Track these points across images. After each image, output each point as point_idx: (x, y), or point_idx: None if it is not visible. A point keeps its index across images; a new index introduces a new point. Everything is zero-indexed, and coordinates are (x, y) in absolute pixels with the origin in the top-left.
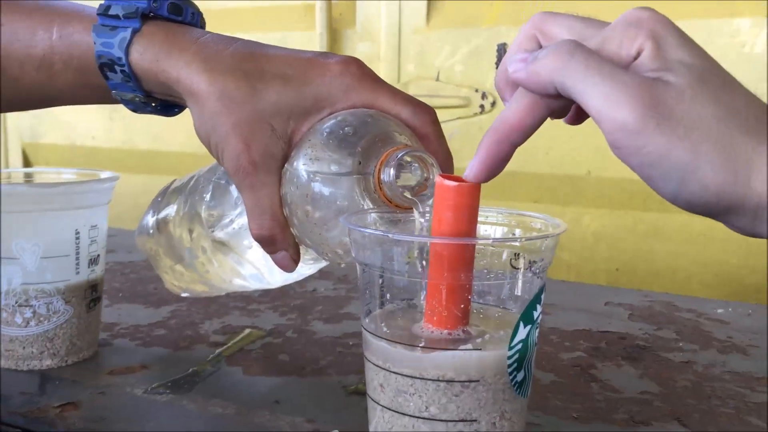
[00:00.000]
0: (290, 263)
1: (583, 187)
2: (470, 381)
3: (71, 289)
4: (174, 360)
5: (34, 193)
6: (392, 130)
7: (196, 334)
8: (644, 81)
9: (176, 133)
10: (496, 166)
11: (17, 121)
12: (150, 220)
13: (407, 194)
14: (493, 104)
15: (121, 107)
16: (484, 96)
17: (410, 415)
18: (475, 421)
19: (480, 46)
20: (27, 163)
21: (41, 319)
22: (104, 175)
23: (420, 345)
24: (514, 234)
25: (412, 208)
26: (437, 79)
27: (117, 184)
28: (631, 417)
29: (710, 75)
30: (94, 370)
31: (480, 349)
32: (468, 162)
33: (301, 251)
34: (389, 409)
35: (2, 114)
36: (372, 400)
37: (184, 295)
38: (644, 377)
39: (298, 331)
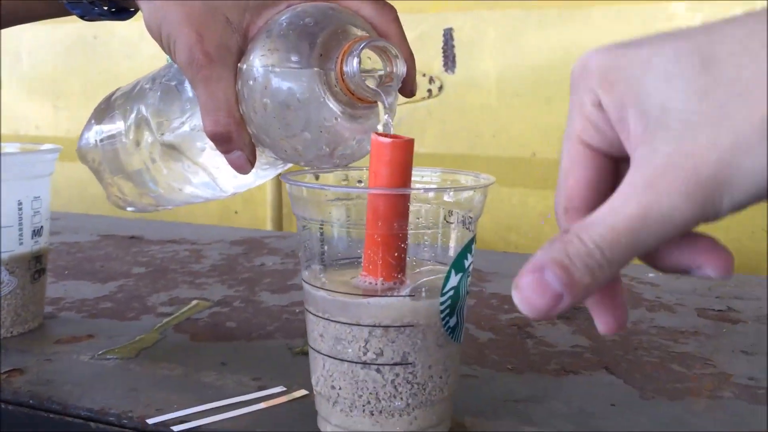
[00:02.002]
0: (246, 164)
1: (528, 168)
2: (405, 326)
3: (15, 259)
4: (120, 329)
5: None
6: (354, 23)
7: (143, 306)
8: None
9: None
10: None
11: None
12: (93, 130)
13: (371, 86)
14: (440, 88)
15: (65, 94)
16: (431, 80)
17: (349, 361)
18: (410, 364)
19: (426, 32)
20: None
21: None
22: (45, 147)
23: (357, 294)
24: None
25: (374, 103)
26: None
27: (64, 173)
28: (562, 367)
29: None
30: (39, 339)
31: (413, 296)
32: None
33: (257, 155)
34: (329, 356)
35: None
36: (313, 349)
37: (129, 209)
38: (576, 333)
39: (246, 301)
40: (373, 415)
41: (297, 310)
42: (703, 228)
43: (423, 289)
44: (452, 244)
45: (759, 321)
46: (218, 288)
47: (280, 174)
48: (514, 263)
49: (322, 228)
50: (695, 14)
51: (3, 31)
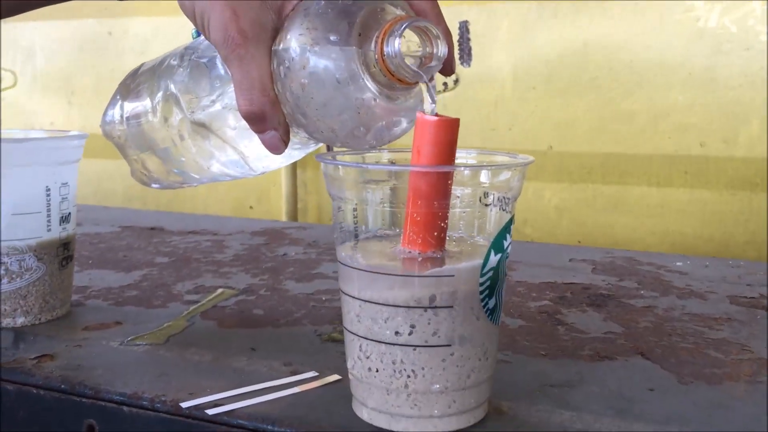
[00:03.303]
0: (279, 144)
1: (544, 162)
2: (444, 307)
3: (43, 246)
4: (148, 317)
5: (3, 149)
6: (392, 1)
7: (168, 294)
8: None
9: None
10: None
11: None
12: (118, 106)
13: (412, 66)
14: (456, 81)
15: (79, 90)
16: None
17: (386, 343)
18: (449, 345)
19: None
20: None
21: (13, 276)
22: (73, 133)
23: (395, 273)
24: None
25: (412, 84)
26: None
27: (80, 167)
28: (596, 353)
29: None
30: (68, 326)
31: (453, 276)
32: None
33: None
34: (366, 338)
35: None
36: (349, 332)
37: (153, 186)
38: (608, 320)
39: (271, 289)
40: (410, 397)
41: (323, 298)
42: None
43: (462, 269)
44: (490, 224)
45: None
46: (242, 277)
47: (313, 153)
48: (541, 252)
49: (356, 209)
50: (713, 7)
51: (18, 27)
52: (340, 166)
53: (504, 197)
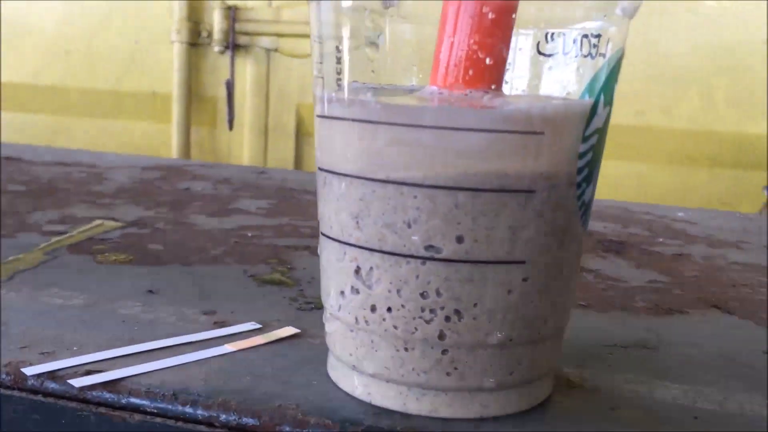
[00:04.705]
0: None
1: None
2: (519, 190)
3: None
4: None
5: None
6: None
7: (20, 223)
8: None
9: None
10: None
11: None
12: None
13: None
14: None
15: None
16: None
17: (413, 256)
18: (522, 262)
19: None
20: None
21: None
22: None
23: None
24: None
25: None
26: None
27: None
28: (656, 305)
29: None
30: None
31: (543, 132)
32: None
33: None
34: (372, 250)
35: None
36: (334, 241)
37: None
38: (642, 268)
39: (173, 223)
40: (446, 355)
41: (249, 234)
42: None
43: (558, 115)
44: (586, 74)
45: None
46: (130, 209)
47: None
48: None
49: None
50: None
51: None
52: None
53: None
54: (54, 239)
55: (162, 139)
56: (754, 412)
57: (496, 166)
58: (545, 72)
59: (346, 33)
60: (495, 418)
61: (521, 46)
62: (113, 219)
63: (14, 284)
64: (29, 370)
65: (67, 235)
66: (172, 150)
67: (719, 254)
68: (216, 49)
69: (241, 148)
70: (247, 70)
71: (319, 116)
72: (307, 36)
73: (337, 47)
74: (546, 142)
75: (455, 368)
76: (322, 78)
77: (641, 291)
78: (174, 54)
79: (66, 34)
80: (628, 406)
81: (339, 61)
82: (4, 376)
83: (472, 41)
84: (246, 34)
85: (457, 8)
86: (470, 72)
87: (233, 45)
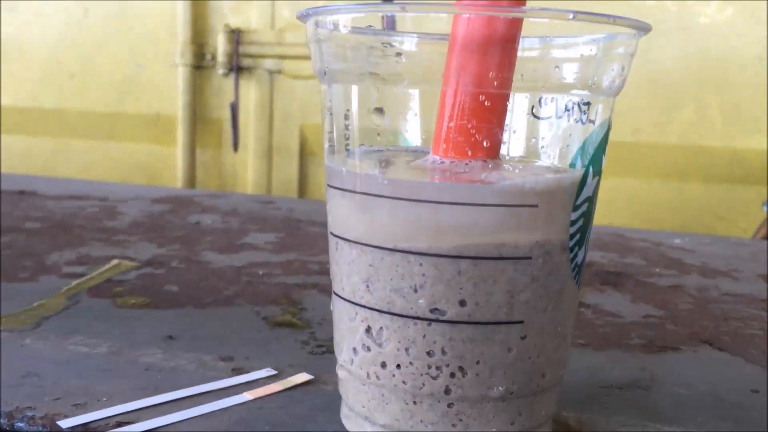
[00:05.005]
0: None
1: None
2: (516, 257)
3: None
4: (9, 293)
5: None
6: None
7: (39, 265)
8: None
9: None
10: None
11: None
12: None
13: None
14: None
15: None
16: None
17: (419, 318)
18: (520, 322)
19: None
20: None
21: None
22: None
23: (425, 179)
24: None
25: None
26: None
27: None
28: (649, 341)
29: None
30: None
31: (536, 206)
32: None
33: None
34: (380, 312)
35: None
36: (346, 302)
37: None
38: (637, 302)
39: (186, 261)
40: (452, 408)
41: (260, 272)
42: None
43: (550, 188)
44: (576, 137)
45: None
46: (144, 246)
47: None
48: None
49: (348, 113)
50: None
51: None
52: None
53: (581, 102)
54: (74, 282)
55: (168, 162)
56: None
57: (494, 236)
58: (540, 133)
59: (354, 104)
60: None
61: (517, 108)
62: (129, 258)
63: (41, 332)
64: (64, 423)
65: (87, 277)
66: (178, 171)
67: (712, 285)
68: (220, 71)
69: (246, 169)
70: (251, 92)
71: (329, 186)
72: (309, 58)
73: (346, 115)
74: (540, 213)
75: (460, 420)
76: (333, 146)
77: (636, 327)
78: (178, 77)
79: (67, 56)
80: None
81: (347, 128)
82: (41, 428)
83: (470, 126)
84: (250, 56)
85: (455, 93)
86: (469, 153)
87: (237, 67)
